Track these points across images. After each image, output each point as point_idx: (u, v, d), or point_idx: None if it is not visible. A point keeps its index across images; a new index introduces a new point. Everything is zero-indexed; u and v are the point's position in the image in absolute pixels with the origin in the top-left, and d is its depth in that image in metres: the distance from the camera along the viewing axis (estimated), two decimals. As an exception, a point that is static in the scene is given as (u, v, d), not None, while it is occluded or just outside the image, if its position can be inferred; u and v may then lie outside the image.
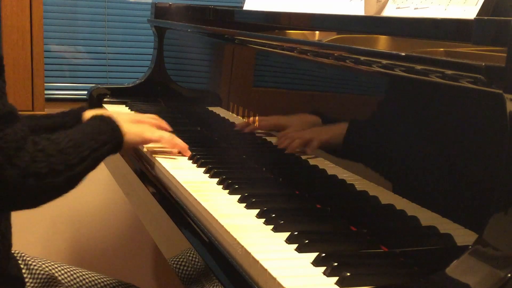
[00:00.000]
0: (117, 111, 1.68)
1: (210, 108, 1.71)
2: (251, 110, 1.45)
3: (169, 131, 1.46)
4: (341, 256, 0.86)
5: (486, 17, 0.85)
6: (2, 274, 1.16)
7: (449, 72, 0.82)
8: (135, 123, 1.40)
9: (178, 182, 1.22)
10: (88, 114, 1.47)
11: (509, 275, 0.69)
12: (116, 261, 2.47)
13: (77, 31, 2.45)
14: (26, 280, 1.26)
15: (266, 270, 0.83)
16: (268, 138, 1.39)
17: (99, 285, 1.36)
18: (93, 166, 1.19)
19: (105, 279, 1.38)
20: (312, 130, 1.22)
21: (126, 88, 2.11)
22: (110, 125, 1.26)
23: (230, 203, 1.12)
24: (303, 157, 1.22)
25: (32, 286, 1.27)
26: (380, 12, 1.21)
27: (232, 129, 1.54)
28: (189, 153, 1.41)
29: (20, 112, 1.34)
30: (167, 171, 1.29)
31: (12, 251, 1.25)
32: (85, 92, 2.14)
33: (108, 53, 2.48)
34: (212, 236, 1.03)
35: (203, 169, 1.30)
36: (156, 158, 1.38)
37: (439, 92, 0.88)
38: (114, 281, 1.39)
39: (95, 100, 2.05)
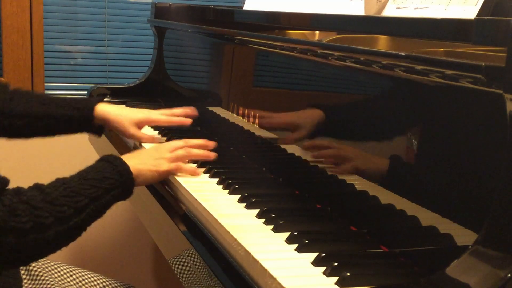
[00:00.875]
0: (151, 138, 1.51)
1: (210, 108, 1.71)
2: (251, 110, 1.45)
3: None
4: (341, 256, 0.86)
5: (486, 17, 0.85)
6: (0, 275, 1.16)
7: (449, 72, 0.82)
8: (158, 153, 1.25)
9: (178, 182, 1.22)
10: (98, 111, 1.46)
11: (509, 275, 0.69)
12: (116, 262, 2.47)
13: (77, 31, 2.45)
14: (25, 281, 1.26)
15: (266, 270, 0.83)
16: (268, 138, 1.39)
17: (98, 286, 1.36)
18: (96, 215, 1.08)
19: (104, 279, 1.38)
20: (313, 131, 1.22)
21: (126, 88, 2.11)
22: (116, 168, 1.12)
23: (230, 203, 1.12)
24: (303, 157, 1.22)
25: (30, 285, 1.26)
26: (380, 12, 1.21)
27: (233, 129, 1.54)
28: (213, 155, 1.31)
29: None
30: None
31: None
32: (85, 92, 2.14)
33: (108, 53, 2.48)
34: (212, 236, 1.03)
35: (203, 169, 1.30)
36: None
37: (439, 92, 0.88)
38: (114, 281, 1.39)
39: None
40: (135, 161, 1.17)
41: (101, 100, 1.52)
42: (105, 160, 1.14)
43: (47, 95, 1.49)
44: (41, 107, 1.44)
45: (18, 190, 1.00)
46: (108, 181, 1.10)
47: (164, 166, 1.22)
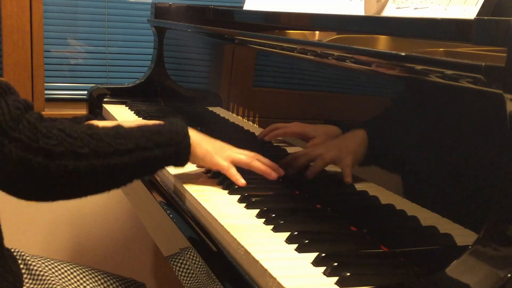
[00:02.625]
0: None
1: (210, 108, 1.71)
2: (251, 110, 1.45)
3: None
4: (341, 256, 0.86)
5: (486, 17, 0.85)
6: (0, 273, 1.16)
7: (449, 72, 0.82)
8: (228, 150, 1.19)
9: (179, 182, 1.22)
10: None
11: (509, 275, 0.69)
12: (116, 260, 2.47)
13: (77, 31, 2.46)
14: (26, 280, 1.26)
15: (266, 270, 0.83)
16: (273, 141, 1.39)
17: (99, 281, 1.36)
18: (141, 168, 1.03)
19: (105, 275, 1.38)
20: (312, 131, 1.22)
21: (126, 88, 2.11)
22: (174, 129, 1.08)
23: (230, 203, 1.12)
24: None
25: (31, 285, 1.26)
26: (380, 12, 1.21)
27: (233, 129, 1.54)
28: (275, 175, 1.19)
29: None
30: (167, 171, 1.29)
31: (12, 250, 1.25)
32: (85, 92, 2.14)
33: (108, 53, 2.48)
34: (212, 236, 1.03)
35: (203, 169, 1.30)
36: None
37: (439, 92, 0.88)
38: (114, 276, 1.39)
39: (95, 100, 2.05)
40: (199, 136, 1.15)
41: (90, 118, 1.39)
42: (169, 120, 1.11)
43: None
44: None
45: (62, 120, 0.98)
46: (161, 136, 1.05)
47: (220, 159, 1.16)
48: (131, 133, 1.03)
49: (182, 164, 1.12)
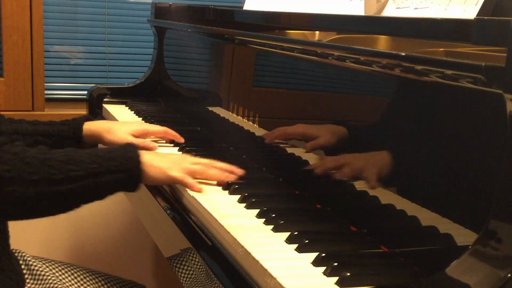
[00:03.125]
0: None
1: (210, 108, 1.71)
2: (251, 110, 1.45)
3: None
4: (341, 256, 0.86)
5: (486, 17, 0.85)
6: (2, 273, 1.16)
7: (449, 72, 0.82)
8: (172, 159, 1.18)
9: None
10: (88, 125, 1.41)
11: (509, 275, 0.69)
12: (116, 261, 2.47)
13: (77, 31, 2.45)
14: (27, 280, 1.26)
15: (266, 270, 0.83)
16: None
17: (100, 283, 1.36)
18: (93, 194, 1.04)
19: (105, 276, 1.38)
20: (313, 132, 1.22)
21: (126, 88, 2.11)
22: (126, 154, 1.07)
23: (230, 203, 1.12)
24: (303, 157, 1.22)
25: (32, 285, 1.26)
26: (380, 12, 1.21)
27: (233, 129, 1.54)
28: (232, 178, 1.19)
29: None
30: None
31: (13, 250, 1.25)
32: (85, 92, 2.14)
33: (108, 53, 2.48)
34: (212, 236, 1.03)
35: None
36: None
37: (439, 92, 0.88)
38: (114, 278, 1.39)
39: (95, 100, 2.05)
40: (151, 157, 1.13)
41: (89, 119, 1.45)
42: (121, 146, 1.11)
43: (38, 120, 1.43)
44: (29, 126, 1.39)
45: (16, 144, 0.99)
46: (113, 162, 1.05)
47: (174, 172, 1.15)
48: (83, 159, 1.03)
49: (133, 189, 1.11)
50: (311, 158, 1.20)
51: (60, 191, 0.99)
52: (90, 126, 1.41)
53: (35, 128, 1.39)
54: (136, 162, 1.08)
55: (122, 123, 1.53)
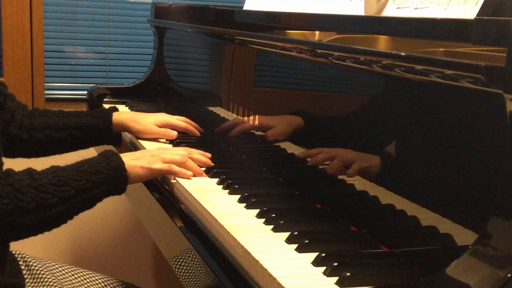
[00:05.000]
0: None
1: (210, 108, 1.71)
2: (251, 110, 1.45)
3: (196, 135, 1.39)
4: (341, 256, 0.86)
5: (486, 17, 0.85)
6: (2, 274, 1.16)
7: (449, 72, 0.82)
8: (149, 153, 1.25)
9: (179, 182, 1.22)
10: (116, 115, 1.50)
11: (509, 275, 0.69)
12: (116, 261, 2.47)
13: (77, 31, 2.45)
14: (27, 280, 1.26)
15: (266, 270, 0.83)
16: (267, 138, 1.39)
17: (100, 285, 1.36)
18: (83, 207, 1.10)
19: (105, 279, 1.38)
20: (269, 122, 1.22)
21: (126, 88, 2.11)
22: (110, 164, 1.13)
23: (230, 203, 1.12)
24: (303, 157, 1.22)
25: (33, 286, 1.26)
26: (380, 12, 1.21)
27: (233, 130, 1.54)
28: (204, 175, 1.27)
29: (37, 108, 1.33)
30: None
31: (13, 252, 1.25)
32: (85, 92, 2.14)
33: (108, 53, 2.48)
34: (212, 236, 1.03)
35: (203, 169, 1.30)
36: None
37: (439, 92, 0.88)
38: (114, 281, 1.39)
39: (95, 100, 2.05)
40: (131, 157, 1.19)
41: (115, 109, 1.55)
42: (102, 155, 1.15)
43: (65, 110, 1.53)
44: (60, 119, 1.47)
45: (8, 172, 1.03)
46: (99, 175, 1.10)
47: (158, 164, 1.21)
48: (71, 177, 1.08)
49: (120, 194, 1.17)
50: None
51: (55, 213, 1.05)
52: (118, 117, 1.51)
53: (65, 121, 1.46)
54: (120, 170, 1.14)
55: (146, 114, 1.60)
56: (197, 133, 1.58)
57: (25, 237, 1.06)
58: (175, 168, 1.23)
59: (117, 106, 1.99)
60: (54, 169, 1.08)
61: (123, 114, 1.56)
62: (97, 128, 1.48)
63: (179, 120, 1.58)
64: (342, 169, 1.10)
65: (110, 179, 1.12)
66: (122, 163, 1.15)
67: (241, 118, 1.47)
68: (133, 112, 1.64)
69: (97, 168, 1.11)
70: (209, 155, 1.34)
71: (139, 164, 1.18)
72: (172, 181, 1.25)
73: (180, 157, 1.25)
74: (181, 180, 1.22)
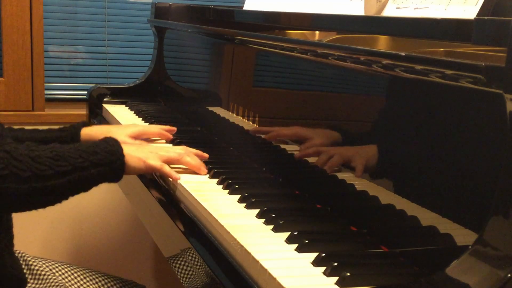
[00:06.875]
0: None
1: (210, 108, 1.71)
2: (251, 110, 1.45)
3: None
4: (341, 256, 0.86)
5: (486, 17, 0.85)
6: (3, 274, 1.16)
7: (449, 72, 0.82)
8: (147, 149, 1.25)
9: (179, 182, 1.22)
10: (85, 131, 1.44)
11: (509, 275, 0.69)
12: (116, 261, 2.47)
13: (77, 31, 2.45)
14: (28, 280, 1.26)
15: (266, 270, 0.83)
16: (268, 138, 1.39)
17: (99, 283, 1.36)
18: (79, 187, 1.10)
19: (105, 277, 1.38)
20: (313, 134, 1.22)
21: (126, 88, 2.11)
22: (109, 148, 1.14)
23: (230, 203, 1.12)
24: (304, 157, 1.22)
25: (33, 286, 1.27)
26: (380, 12, 1.21)
27: (233, 129, 1.54)
28: (205, 171, 1.28)
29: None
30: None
31: (14, 251, 1.25)
32: (85, 92, 2.14)
33: (108, 53, 2.48)
34: (212, 236, 1.03)
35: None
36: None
37: (439, 92, 0.88)
38: (114, 279, 1.39)
39: (95, 100, 2.05)
40: (130, 148, 1.20)
41: (86, 124, 1.48)
42: (103, 140, 1.17)
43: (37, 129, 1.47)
44: (28, 133, 1.42)
45: (7, 141, 1.04)
46: (97, 156, 1.11)
47: (152, 161, 1.22)
48: (69, 154, 1.08)
49: (116, 180, 1.17)
50: (310, 159, 1.20)
51: (49, 186, 1.04)
52: (88, 132, 1.45)
53: (33, 135, 1.41)
54: (118, 155, 1.15)
55: (118, 126, 1.57)
56: (170, 137, 1.52)
57: (19, 209, 1.07)
58: (166, 168, 1.23)
59: (117, 106, 2.00)
60: (52, 145, 1.09)
61: (93, 128, 1.48)
62: (64, 142, 1.40)
63: (151, 128, 1.55)
64: (340, 166, 1.10)
65: (107, 161, 1.12)
66: (121, 149, 1.16)
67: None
68: (105, 126, 1.58)
69: (96, 150, 1.12)
70: (206, 155, 1.33)
71: (137, 155, 1.19)
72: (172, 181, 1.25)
73: (176, 154, 1.26)
74: (181, 180, 1.22)
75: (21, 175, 1.01)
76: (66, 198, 1.10)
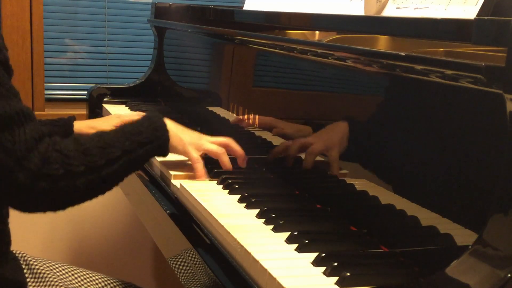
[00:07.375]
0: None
1: (210, 108, 1.71)
2: (251, 110, 1.45)
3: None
4: (341, 256, 0.86)
5: (486, 17, 0.85)
6: (3, 274, 1.16)
7: (449, 72, 0.82)
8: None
9: (179, 182, 1.22)
10: (77, 125, 1.45)
11: (509, 275, 0.69)
12: (116, 261, 2.47)
13: (77, 31, 2.46)
14: (28, 280, 1.26)
15: (266, 270, 0.83)
16: (268, 138, 1.39)
17: (100, 285, 1.36)
18: (130, 168, 1.12)
19: (106, 278, 1.38)
20: (314, 135, 1.22)
21: (126, 88, 2.11)
22: (153, 124, 1.16)
23: (230, 203, 1.12)
24: (303, 156, 1.22)
25: (34, 286, 1.27)
26: (380, 12, 1.21)
27: (233, 129, 1.54)
28: (230, 168, 1.27)
29: None
30: (167, 171, 1.29)
31: (14, 251, 1.25)
32: (85, 92, 2.14)
33: (108, 53, 2.48)
34: (212, 236, 1.03)
35: (203, 168, 1.30)
36: (156, 158, 1.38)
37: (439, 92, 0.88)
38: (114, 280, 1.39)
39: (95, 100, 2.05)
40: (175, 126, 1.22)
41: (74, 118, 1.49)
42: (146, 116, 1.18)
43: None
44: None
45: (55, 140, 1.04)
46: (143, 135, 1.13)
47: (192, 150, 1.24)
48: (116, 139, 1.10)
49: (164, 155, 1.20)
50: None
51: (104, 175, 1.06)
52: (78, 126, 1.47)
53: None
54: (163, 131, 1.17)
55: (103, 119, 1.56)
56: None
57: (81, 201, 1.08)
58: (199, 166, 1.24)
59: (117, 106, 2.00)
60: (99, 134, 1.10)
61: (82, 123, 1.49)
62: (57, 134, 1.36)
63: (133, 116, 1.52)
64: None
65: (153, 137, 1.14)
66: (164, 124, 1.17)
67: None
68: (92, 120, 1.58)
69: (140, 129, 1.13)
70: (243, 157, 1.30)
71: (179, 135, 1.22)
72: (172, 181, 1.25)
73: (218, 150, 1.27)
74: (181, 180, 1.22)
75: (76, 171, 1.03)
76: (122, 180, 1.12)
